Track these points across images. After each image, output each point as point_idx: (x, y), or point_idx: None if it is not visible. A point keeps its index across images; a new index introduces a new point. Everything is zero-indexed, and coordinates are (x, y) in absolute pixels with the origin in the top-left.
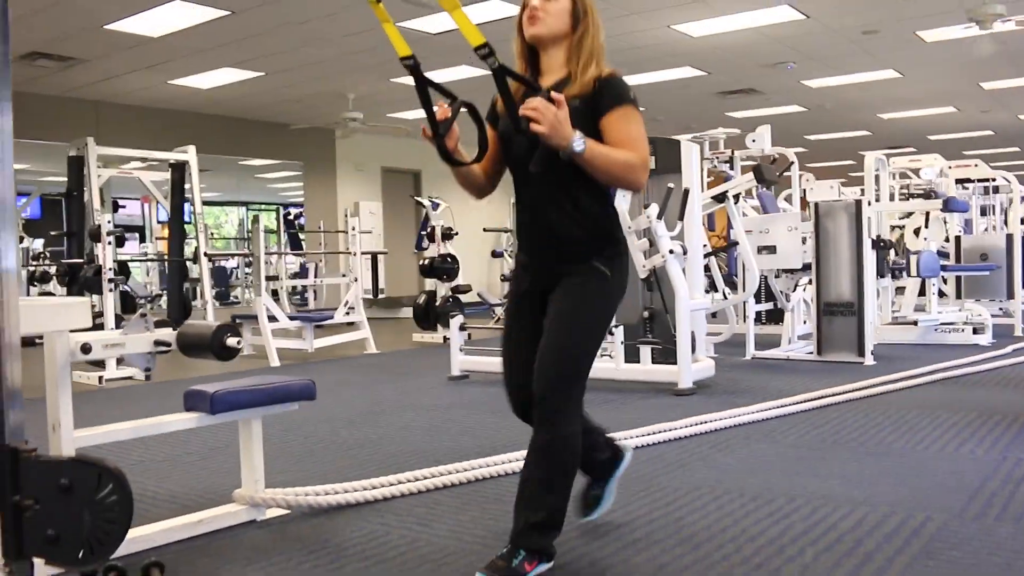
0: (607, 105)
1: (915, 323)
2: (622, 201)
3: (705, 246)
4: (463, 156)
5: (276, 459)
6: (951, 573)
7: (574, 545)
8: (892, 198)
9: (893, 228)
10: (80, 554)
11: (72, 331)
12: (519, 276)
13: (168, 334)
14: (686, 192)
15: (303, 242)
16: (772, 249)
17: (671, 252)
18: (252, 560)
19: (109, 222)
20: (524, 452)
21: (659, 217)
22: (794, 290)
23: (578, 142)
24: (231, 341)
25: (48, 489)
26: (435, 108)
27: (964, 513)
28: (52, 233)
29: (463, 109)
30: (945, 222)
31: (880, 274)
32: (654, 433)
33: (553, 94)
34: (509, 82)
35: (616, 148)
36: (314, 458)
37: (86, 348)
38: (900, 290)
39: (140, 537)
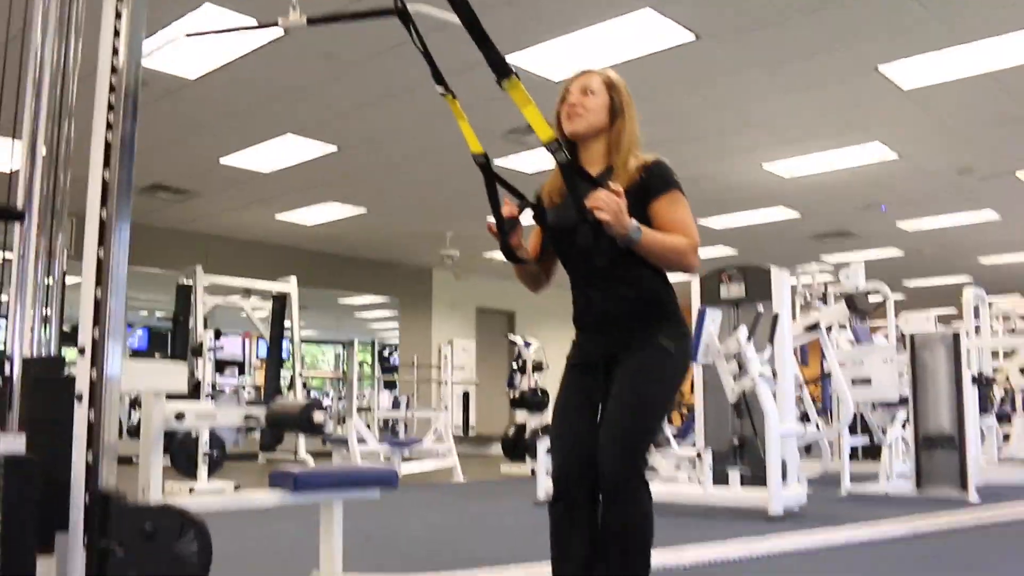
0: (656, 191)
1: None
2: (711, 325)
3: (797, 376)
4: (526, 254)
5: (355, 559)
6: None
7: None
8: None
9: (996, 370)
10: None
11: (169, 397)
12: (575, 352)
13: (258, 409)
14: (775, 317)
15: (396, 381)
16: (867, 381)
17: (760, 375)
18: None
19: (211, 340)
20: None
21: (748, 340)
22: (891, 424)
23: (636, 231)
24: (318, 417)
25: (133, 534)
26: (502, 207)
27: None
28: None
29: (528, 209)
30: None
31: (983, 410)
32: (740, 546)
33: (614, 186)
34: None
35: (667, 232)
36: (393, 556)
37: (180, 416)
38: (1007, 437)
39: None
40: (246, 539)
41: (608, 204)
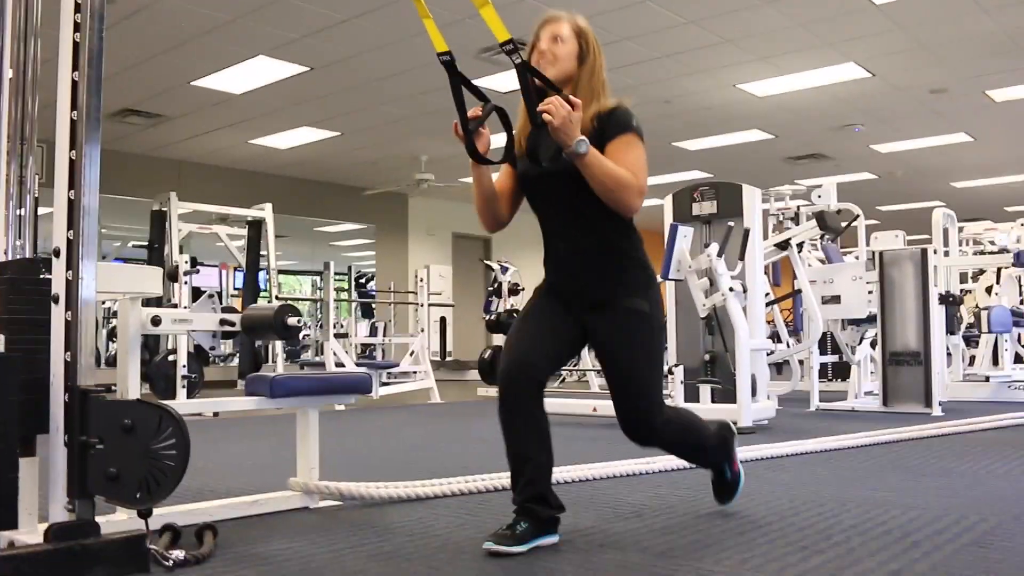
0: (611, 134)
1: (987, 379)
2: (683, 241)
3: (767, 295)
4: (490, 157)
5: (333, 470)
6: (1002, 559)
7: (618, 528)
8: None
9: (964, 292)
10: (137, 494)
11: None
12: (546, 286)
13: (233, 315)
14: (746, 232)
15: (373, 308)
16: (837, 299)
17: (731, 290)
18: (301, 534)
19: (187, 263)
20: (588, 465)
21: (719, 255)
22: (860, 343)
23: (581, 143)
24: (292, 320)
25: (112, 429)
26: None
27: (1022, 516)
28: None
29: (493, 112)
30: (1019, 280)
31: (950, 331)
32: None
33: (571, 97)
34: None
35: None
36: (370, 470)
37: (156, 320)
38: (972, 361)
39: (197, 510)
40: (224, 455)
41: (559, 109)
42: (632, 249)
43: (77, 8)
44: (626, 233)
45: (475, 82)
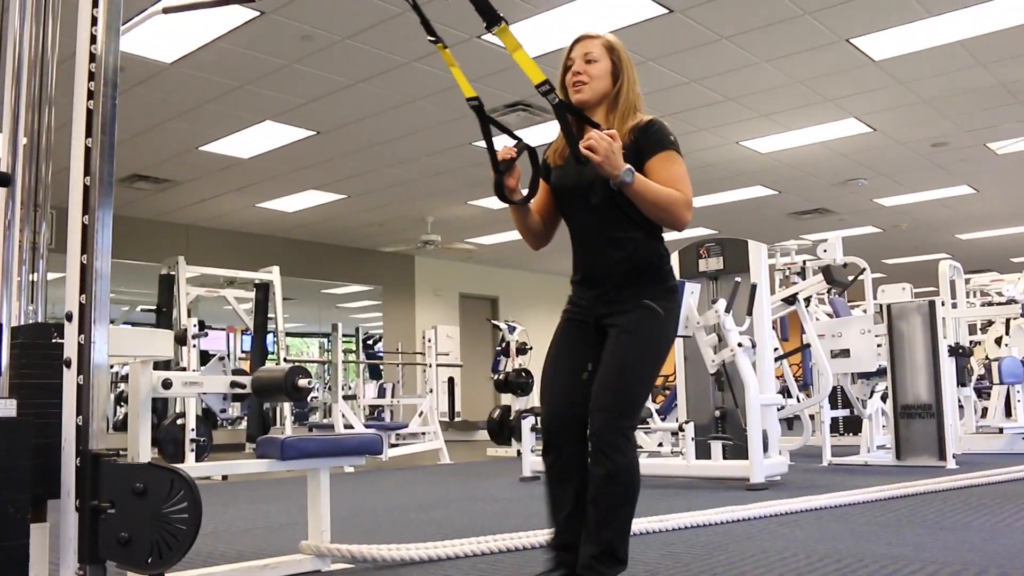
0: (650, 151)
1: (1000, 431)
2: (690, 297)
3: (776, 350)
4: (519, 196)
5: (344, 532)
6: None
7: None
8: None
9: (974, 344)
10: (149, 559)
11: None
12: (570, 308)
13: (244, 377)
14: (753, 287)
15: (381, 370)
16: (846, 353)
17: (740, 345)
18: None
19: (195, 326)
20: None
21: (727, 311)
22: (871, 396)
23: (628, 172)
24: (302, 382)
25: (123, 493)
26: (499, 150)
27: None
28: None
29: (525, 152)
30: None
31: (961, 383)
32: (722, 513)
33: (608, 130)
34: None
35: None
36: (381, 531)
37: (167, 383)
38: (985, 412)
39: None
40: (235, 518)
41: (600, 144)
42: (659, 260)
43: (91, 76)
44: (655, 246)
45: (478, 144)
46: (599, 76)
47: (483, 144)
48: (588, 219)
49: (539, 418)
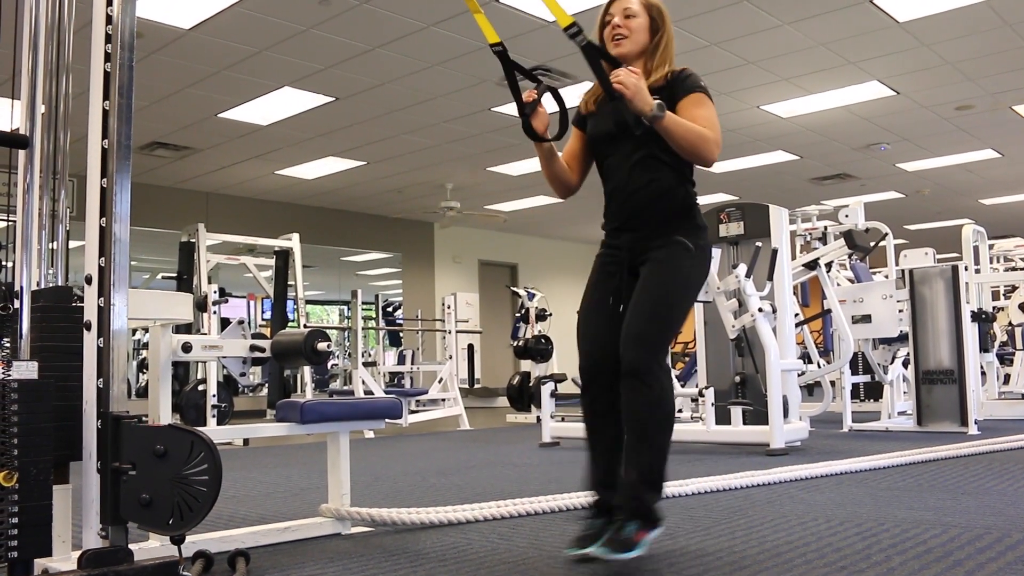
0: (681, 93)
1: (1023, 397)
2: (711, 262)
3: (797, 315)
4: (548, 134)
5: (363, 496)
6: None
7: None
8: None
9: (997, 309)
10: (170, 520)
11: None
12: (604, 252)
13: (263, 341)
14: (774, 252)
15: (401, 337)
16: (867, 318)
17: (760, 310)
18: (333, 560)
19: (215, 292)
20: None
21: (747, 276)
22: (892, 362)
23: (659, 107)
24: (322, 345)
25: (144, 455)
26: (523, 93)
27: None
28: None
29: (547, 92)
30: None
31: (984, 348)
32: (742, 477)
33: (631, 68)
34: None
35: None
36: (401, 496)
37: (187, 346)
38: (1007, 379)
39: (229, 537)
40: (256, 482)
41: (628, 78)
42: (690, 199)
43: (108, 39)
44: (687, 188)
45: (503, 109)
46: (638, 30)
47: (501, 109)
48: (623, 162)
49: (577, 361)
